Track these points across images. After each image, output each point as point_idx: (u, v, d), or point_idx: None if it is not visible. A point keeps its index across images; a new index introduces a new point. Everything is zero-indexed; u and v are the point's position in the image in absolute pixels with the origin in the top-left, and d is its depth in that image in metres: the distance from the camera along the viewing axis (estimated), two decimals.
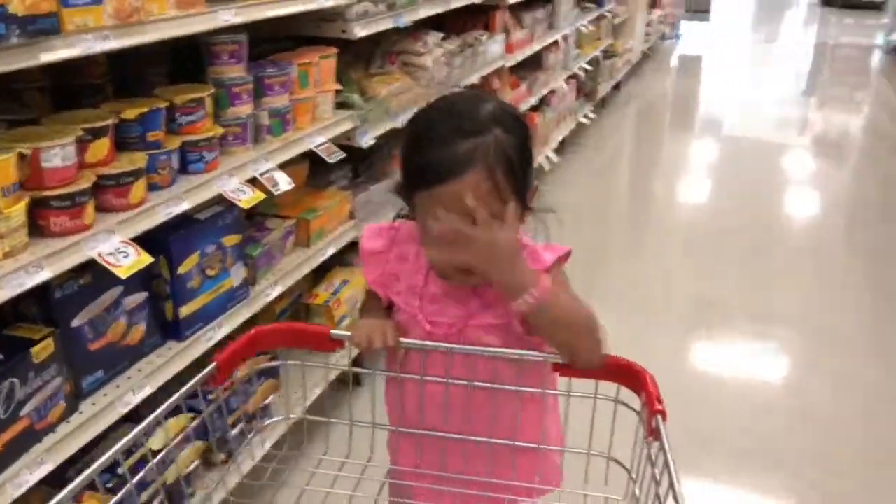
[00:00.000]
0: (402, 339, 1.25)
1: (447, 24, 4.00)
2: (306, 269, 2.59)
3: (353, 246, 2.90)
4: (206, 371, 1.14)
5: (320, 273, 2.85)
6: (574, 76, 5.96)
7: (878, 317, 3.80)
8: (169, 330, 2.06)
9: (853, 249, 4.70)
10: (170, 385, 1.99)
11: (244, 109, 2.18)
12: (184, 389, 1.08)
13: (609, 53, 7.30)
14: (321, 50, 2.54)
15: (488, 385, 1.25)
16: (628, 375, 1.20)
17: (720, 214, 5.16)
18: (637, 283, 4.07)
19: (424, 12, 3.15)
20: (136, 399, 1.87)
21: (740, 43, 12.97)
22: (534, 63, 5.19)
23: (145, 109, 1.87)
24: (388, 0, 2.79)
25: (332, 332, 1.26)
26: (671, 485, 0.97)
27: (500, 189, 1.15)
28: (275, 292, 2.41)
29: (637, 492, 1.17)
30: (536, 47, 4.82)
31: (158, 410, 1.03)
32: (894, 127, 7.73)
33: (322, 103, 2.55)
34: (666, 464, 1.00)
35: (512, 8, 4.47)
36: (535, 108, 5.06)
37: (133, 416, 1.86)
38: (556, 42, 5.27)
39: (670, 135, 7.41)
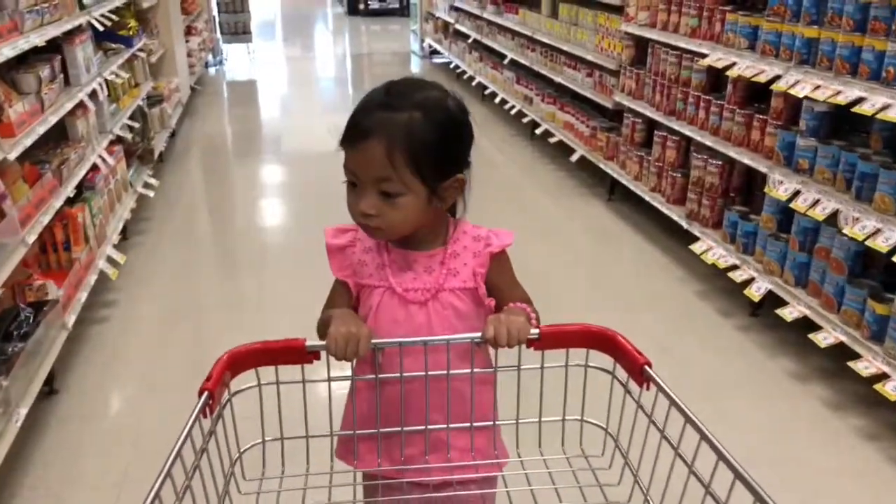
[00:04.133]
0: (375, 340, 1.26)
1: None
2: None
3: None
4: (200, 402, 1.11)
5: None
6: (119, 139, 4.58)
7: None
8: None
9: None
10: None
11: None
12: (186, 428, 1.05)
13: (154, 99, 6.00)
14: None
15: (468, 372, 1.31)
16: (599, 340, 1.28)
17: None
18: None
19: None
20: None
21: (283, 60, 12.56)
22: (56, 138, 3.74)
23: None
24: None
25: (308, 343, 1.24)
26: (686, 417, 1.07)
27: (394, 164, 1.26)
28: None
29: (617, 445, 1.30)
30: (54, 119, 3.39)
31: (168, 462, 0.99)
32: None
33: None
34: (672, 401, 1.09)
35: None
36: (72, 201, 3.62)
37: None
38: (81, 104, 3.86)
39: (242, 176, 6.40)
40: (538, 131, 6.44)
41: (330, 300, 1.45)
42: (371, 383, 1.34)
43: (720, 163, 3.91)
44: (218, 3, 10.79)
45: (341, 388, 1.32)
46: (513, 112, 7.08)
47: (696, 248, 3.97)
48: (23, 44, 3.09)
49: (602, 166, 5.25)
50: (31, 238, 2.93)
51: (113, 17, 4.58)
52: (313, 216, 5.06)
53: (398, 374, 1.29)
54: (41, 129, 3.22)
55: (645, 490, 1.18)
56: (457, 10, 9.42)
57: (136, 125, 4.98)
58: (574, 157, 5.61)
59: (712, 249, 3.86)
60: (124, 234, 4.61)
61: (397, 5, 17.34)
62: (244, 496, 1.24)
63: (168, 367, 3.35)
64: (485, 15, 8.12)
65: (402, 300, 1.37)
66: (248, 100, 9.67)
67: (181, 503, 1.02)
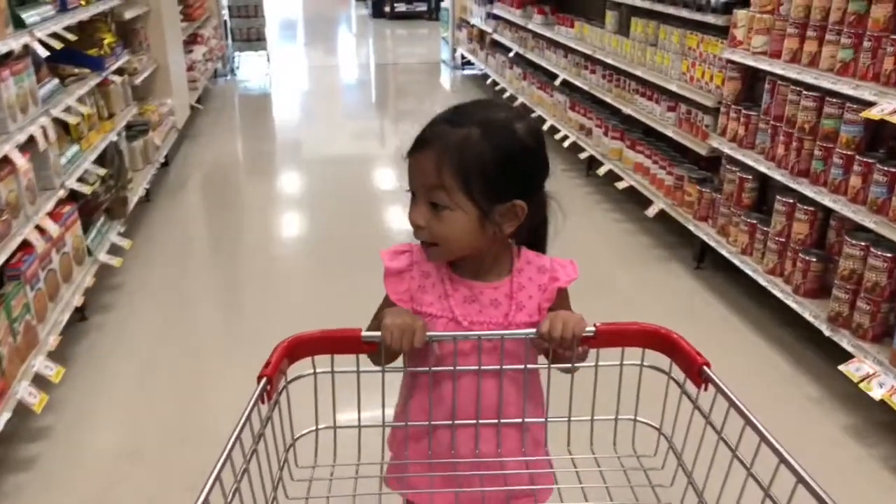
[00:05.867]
0: (430, 332, 1.26)
1: None
2: None
3: None
4: (259, 387, 1.13)
5: None
6: (73, 196, 3.56)
7: None
8: None
9: None
10: None
11: None
12: (246, 412, 1.06)
13: (138, 129, 4.98)
14: None
15: (521, 368, 1.31)
16: (657, 340, 1.27)
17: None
18: None
19: None
20: None
21: (301, 69, 11.52)
22: None
23: None
24: None
25: (364, 334, 1.26)
26: (746, 419, 1.06)
27: (442, 177, 1.24)
28: None
29: (670, 446, 1.27)
30: None
31: (229, 443, 1.01)
32: None
33: None
34: (732, 403, 1.09)
35: None
36: None
37: None
38: (4, 161, 2.83)
39: (249, 215, 5.32)
40: (600, 171, 5.32)
41: (378, 316, 1.39)
42: (424, 386, 1.34)
43: (889, 255, 2.79)
44: (229, 8, 9.76)
45: (394, 381, 1.36)
46: (565, 143, 5.98)
47: (851, 371, 2.84)
48: None
49: (692, 228, 4.14)
50: None
51: (68, 36, 3.54)
52: (344, 278, 4.05)
53: (451, 368, 1.30)
54: None
55: (699, 492, 1.17)
56: (495, 18, 8.33)
57: (103, 172, 3.94)
58: (651, 212, 4.49)
59: (877, 377, 2.74)
60: (82, 312, 3.60)
61: (425, 8, 16.30)
62: (297, 483, 1.25)
63: None
64: (530, 26, 7.03)
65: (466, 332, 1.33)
66: (260, 117, 8.63)
67: (240, 485, 1.04)
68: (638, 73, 4.78)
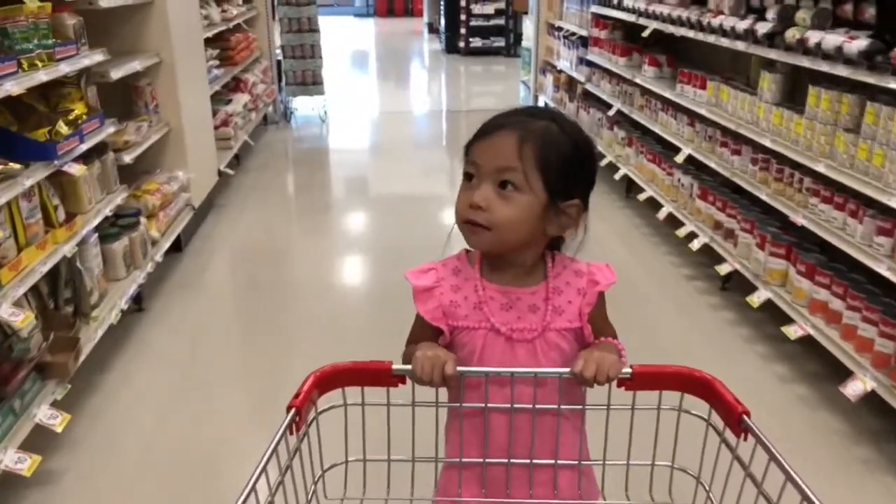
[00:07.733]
0: (461, 368, 1.26)
1: None
2: None
3: None
4: (288, 418, 1.14)
5: None
6: None
7: None
8: None
9: None
10: None
11: None
12: (273, 443, 1.07)
13: (123, 222, 3.73)
14: None
15: (553, 406, 1.30)
16: (695, 384, 1.24)
17: None
18: None
19: None
20: None
21: (367, 118, 10.30)
22: None
23: None
24: None
25: (394, 367, 1.27)
26: (787, 474, 1.01)
27: (522, 156, 1.25)
28: None
29: (709, 496, 1.24)
30: None
31: (255, 474, 1.01)
32: None
33: None
34: (772, 456, 1.05)
35: None
36: None
37: None
38: None
39: (294, 328, 3.98)
40: (754, 299, 3.76)
41: (413, 337, 1.42)
42: (465, 420, 1.34)
43: None
44: (283, 48, 8.62)
45: (425, 414, 1.33)
46: (694, 244, 4.47)
47: None
48: None
49: None
50: None
51: None
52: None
53: (482, 405, 1.29)
54: None
55: None
56: (589, 64, 6.91)
57: (24, 318, 2.66)
58: (853, 392, 2.92)
59: None
60: None
61: (503, 44, 15.03)
62: None
63: None
64: (638, 79, 5.58)
65: (507, 339, 1.33)
66: (314, 178, 7.30)
67: None
68: (819, 168, 3.28)
